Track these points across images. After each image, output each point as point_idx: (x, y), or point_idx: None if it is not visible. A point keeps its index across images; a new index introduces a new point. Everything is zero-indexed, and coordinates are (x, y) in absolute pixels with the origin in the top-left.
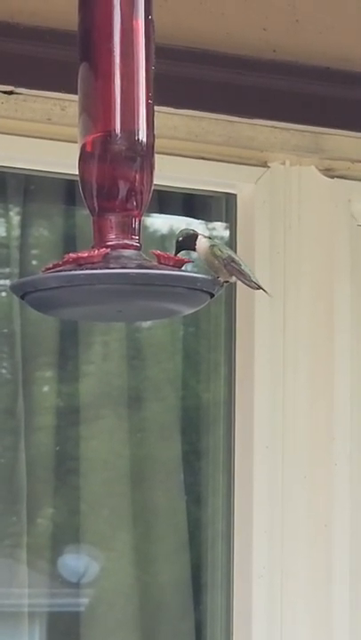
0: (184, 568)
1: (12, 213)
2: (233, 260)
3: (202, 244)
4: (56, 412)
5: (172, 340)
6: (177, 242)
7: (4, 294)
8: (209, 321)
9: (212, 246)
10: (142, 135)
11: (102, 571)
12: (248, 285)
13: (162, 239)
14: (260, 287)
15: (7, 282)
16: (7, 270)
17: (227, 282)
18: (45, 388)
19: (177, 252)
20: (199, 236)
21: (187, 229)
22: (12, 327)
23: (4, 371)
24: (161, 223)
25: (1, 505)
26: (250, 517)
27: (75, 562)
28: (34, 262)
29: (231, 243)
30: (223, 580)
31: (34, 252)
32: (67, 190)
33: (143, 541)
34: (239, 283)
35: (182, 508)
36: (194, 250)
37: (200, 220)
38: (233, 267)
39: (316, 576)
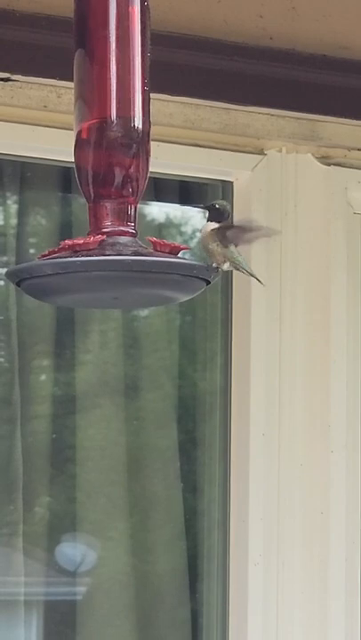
0: (180, 556)
1: (8, 201)
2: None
3: (209, 225)
4: (52, 400)
5: (169, 329)
6: (212, 206)
7: (0, 283)
8: (205, 310)
9: (214, 229)
10: (138, 122)
11: (99, 559)
12: (243, 272)
13: (158, 226)
14: (253, 275)
15: (3, 270)
16: (4, 258)
17: (217, 269)
18: (42, 377)
19: (209, 210)
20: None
21: (224, 203)
22: (8, 315)
23: (0, 359)
24: (157, 211)
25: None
26: (246, 505)
27: (71, 550)
28: (31, 250)
29: None
30: (219, 568)
31: (30, 239)
32: (63, 177)
33: (140, 530)
34: (235, 271)
35: (179, 497)
36: (220, 221)
37: (196, 208)
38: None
39: (312, 564)
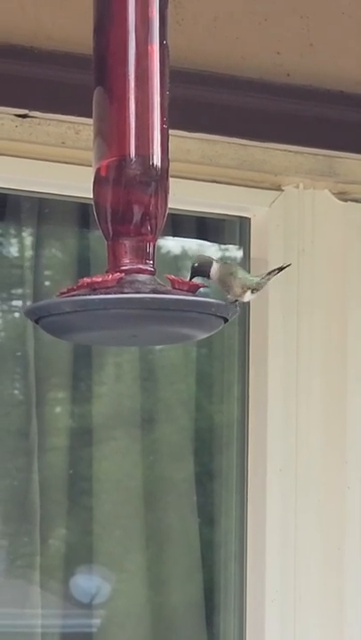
0: (196, 590)
1: (26, 236)
2: (250, 282)
3: (215, 268)
4: (69, 432)
5: (185, 361)
6: (193, 267)
7: (17, 315)
8: (222, 341)
9: (225, 264)
10: (157, 160)
11: (114, 592)
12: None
13: (176, 262)
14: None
15: (20, 302)
16: (20, 291)
17: (238, 300)
18: (58, 409)
19: (192, 277)
20: (214, 263)
21: (203, 256)
22: (25, 348)
23: (16, 392)
24: (175, 246)
25: (14, 525)
26: (263, 540)
27: (87, 582)
28: (47, 283)
29: (245, 266)
30: (236, 602)
31: (47, 273)
32: (80, 213)
33: (155, 562)
34: (253, 302)
35: (195, 530)
36: (209, 277)
37: (214, 243)
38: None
39: (328, 599)
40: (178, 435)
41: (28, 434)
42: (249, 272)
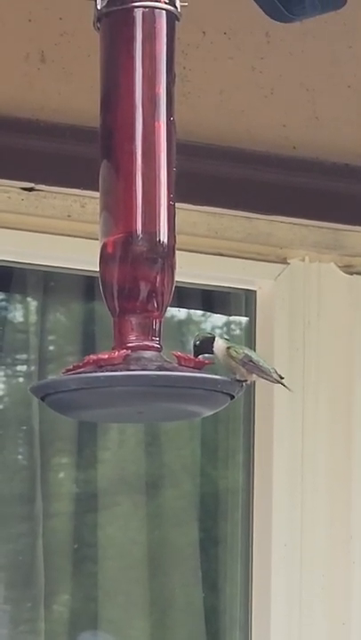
0: None
1: (31, 309)
2: (251, 359)
3: (219, 345)
4: (72, 498)
5: (189, 426)
6: (195, 346)
7: (21, 380)
8: (227, 409)
9: (229, 348)
10: (163, 236)
11: None
12: (269, 380)
13: (181, 334)
14: (280, 382)
15: (23, 369)
16: (26, 370)
17: (245, 381)
18: (62, 474)
19: (195, 355)
20: (216, 338)
21: (203, 333)
22: (29, 413)
23: (21, 457)
24: (181, 318)
25: (18, 591)
26: (268, 613)
27: None
28: (52, 351)
29: (250, 338)
30: None
31: (55, 344)
32: (85, 286)
33: (159, 629)
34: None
35: (199, 596)
36: (212, 353)
37: (219, 316)
38: (251, 365)
39: None
40: (182, 500)
41: (32, 499)
42: (254, 347)
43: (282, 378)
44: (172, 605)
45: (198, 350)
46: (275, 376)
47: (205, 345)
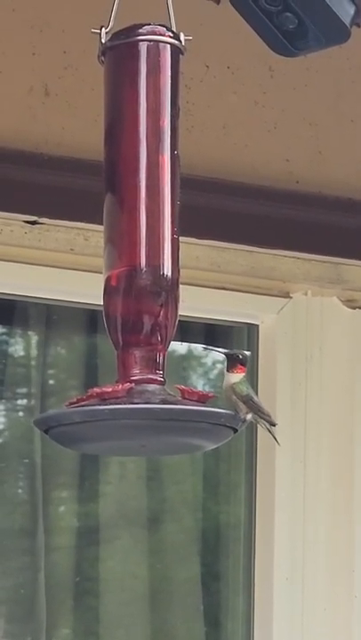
0: None
1: (33, 342)
2: (251, 399)
3: (228, 378)
4: (73, 532)
5: (190, 461)
6: (232, 354)
7: (21, 414)
8: (229, 442)
9: (236, 383)
10: (167, 270)
11: None
12: (264, 422)
13: (183, 367)
14: (270, 429)
15: (25, 403)
16: (27, 404)
17: (244, 419)
18: (63, 508)
19: (227, 358)
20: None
21: (245, 353)
22: (31, 446)
23: (21, 490)
24: (182, 351)
25: (19, 625)
26: None
27: None
28: (55, 388)
29: (253, 372)
30: None
31: (57, 378)
32: (89, 319)
33: None
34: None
35: (200, 631)
36: (236, 368)
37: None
38: (251, 404)
39: None
40: (183, 535)
41: (34, 532)
42: (256, 380)
43: (274, 425)
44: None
45: (230, 359)
46: (270, 420)
47: (236, 361)
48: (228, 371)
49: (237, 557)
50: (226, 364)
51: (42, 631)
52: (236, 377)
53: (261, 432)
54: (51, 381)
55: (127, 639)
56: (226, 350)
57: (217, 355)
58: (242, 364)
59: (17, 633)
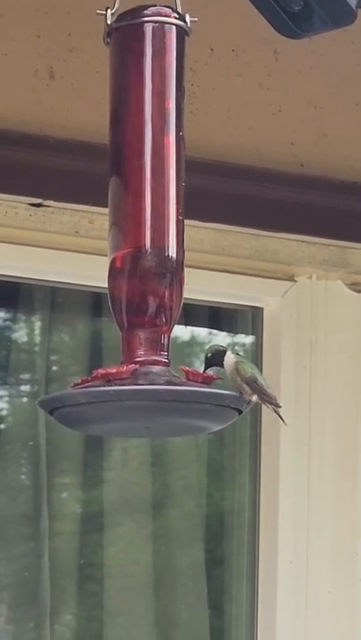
0: None
1: (38, 325)
2: (256, 380)
3: (229, 360)
4: (75, 518)
5: (193, 446)
6: (206, 358)
7: (25, 400)
8: (233, 427)
9: (238, 362)
10: (172, 251)
11: None
12: (269, 404)
13: (188, 351)
14: (277, 410)
15: (29, 388)
16: (31, 388)
17: (249, 401)
18: (66, 494)
19: (206, 367)
20: (228, 352)
21: (216, 345)
22: (35, 433)
23: (25, 477)
24: (187, 335)
25: (21, 611)
26: (273, 631)
27: None
28: (57, 370)
29: (257, 356)
30: None
31: (61, 362)
32: (93, 302)
33: None
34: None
35: (202, 617)
36: (222, 366)
37: (226, 333)
38: (255, 385)
39: None
40: (186, 521)
41: (37, 518)
42: (261, 364)
43: (280, 407)
44: (176, 626)
45: (209, 362)
46: (275, 402)
47: (217, 358)
48: (219, 365)
49: (241, 542)
50: (212, 362)
51: (45, 617)
52: (233, 357)
53: (266, 416)
54: (56, 364)
55: (130, 625)
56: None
57: (220, 340)
58: (223, 352)
59: (20, 618)
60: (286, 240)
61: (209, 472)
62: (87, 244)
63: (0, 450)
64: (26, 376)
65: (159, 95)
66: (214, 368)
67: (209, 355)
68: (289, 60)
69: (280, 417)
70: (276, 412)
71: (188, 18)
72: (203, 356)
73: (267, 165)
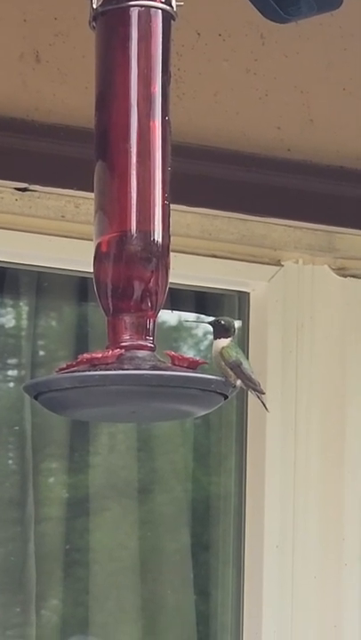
0: None
1: (24, 310)
2: (240, 365)
3: (219, 342)
4: (62, 503)
5: (180, 432)
6: (217, 322)
7: (11, 385)
8: (219, 412)
9: (223, 347)
10: (158, 236)
11: None
12: (252, 390)
13: (174, 336)
14: (260, 397)
15: (15, 372)
16: (17, 373)
17: (234, 385)
18: (53, 479)
19: (213, 327)
20: (227, 338)
21: (229, 319)
22: (21, 418)
23: (12, 461)
24: (173, 320)
25: (7, 595)
26: (259, 616)
27: None
28: (44, 355)
29: (244, 341)
30: None
31: (46, 346)
32: (79, 287)
33: (149, 634)
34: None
35: (189, 602)
36: (226, 337)
37: (212, 317)
38: (238, 370)
39: None
40: (172, 505)
41: (23, 503)
42: (247, 348)
43: (263, 393)
44: (162, 610)
45: (216, 328)
46: (258, 389)
47: (220, 329)
48: (215, 338)
49: (228, 527)
50: (213, 332)
51: (31, 602)
52: (224, 342)
53: (252, 401)
54: (41, 350)
55: (116, 610)
56: (210, 319)
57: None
58: (227, 330)
59: (6, 603)
60: (273, 225)
61: (195, 457)
62: (73, 229)
63: None
64: (12, 361)
65: (145, 79)
66: (203, 353)
67: (221, 322)
68: (276, 44)
69: (263, 403)
70: (258, 397)
71: (174, 2)
72: (189, 342)
73: (253, 150)
